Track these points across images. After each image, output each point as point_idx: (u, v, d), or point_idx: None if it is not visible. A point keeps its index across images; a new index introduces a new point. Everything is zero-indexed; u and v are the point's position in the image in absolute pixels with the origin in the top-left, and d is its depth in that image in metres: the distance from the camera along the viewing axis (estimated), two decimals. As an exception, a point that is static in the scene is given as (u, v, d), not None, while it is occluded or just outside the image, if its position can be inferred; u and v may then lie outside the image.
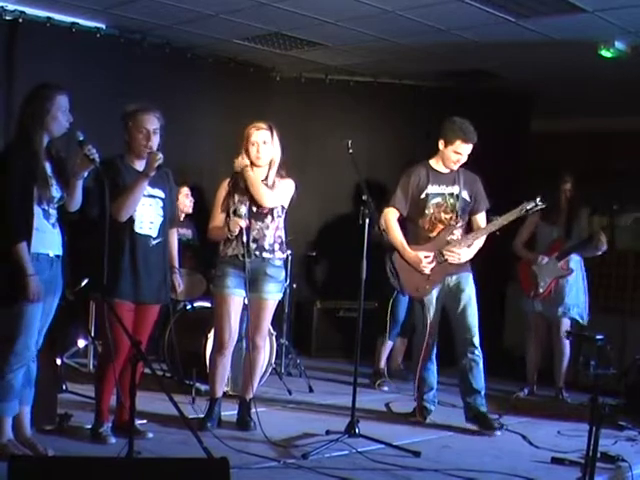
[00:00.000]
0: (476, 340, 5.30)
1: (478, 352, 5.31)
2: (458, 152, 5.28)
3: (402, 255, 5.38)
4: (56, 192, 3.97)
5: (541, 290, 6.51)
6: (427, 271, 5.29)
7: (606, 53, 6.47)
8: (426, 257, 5.28)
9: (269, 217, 4.94)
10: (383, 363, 6.84)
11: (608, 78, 7.24)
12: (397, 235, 5.40)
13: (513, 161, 8.27)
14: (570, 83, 7.72)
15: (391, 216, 5.41)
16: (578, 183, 6.66)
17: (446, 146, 5.30)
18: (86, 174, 4.05)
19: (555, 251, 6.56)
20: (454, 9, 5.94)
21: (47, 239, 3.95)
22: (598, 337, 4.28)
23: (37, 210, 3.89)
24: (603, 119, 8.69)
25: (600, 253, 6.53)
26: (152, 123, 4.49)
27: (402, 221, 5.47)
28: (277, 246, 4.98)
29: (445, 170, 5.39)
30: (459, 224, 5.37)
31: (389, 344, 6.82)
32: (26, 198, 3.84)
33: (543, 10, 5.86)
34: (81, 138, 3.98)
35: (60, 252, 4.03)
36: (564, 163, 7.01)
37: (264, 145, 4.89)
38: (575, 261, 6.60)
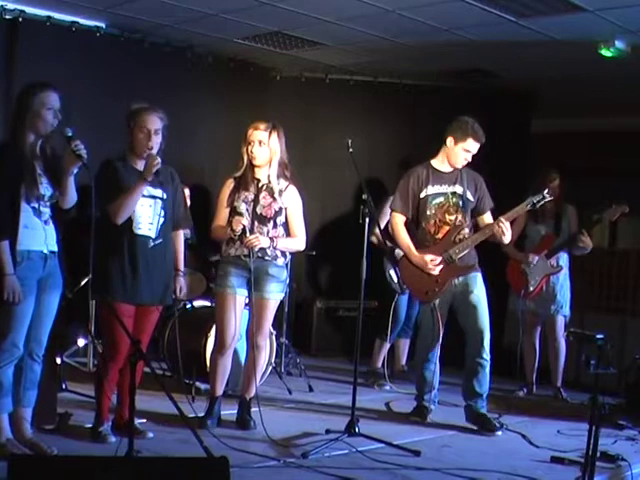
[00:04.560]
0: (486, 342, 5.26)
1: (486, 355, 5.28)
2: (468, 150, 5.27)
3: (409, 258, 5.37)
4: (46, 190, 3.95)
5: (531, 288, 6.51)
6: (435, 272, 5.27)
7: (606, 53, 6.46)
8: (432, 260, 5.26)
9: (272, 222, 4.93)
10: (380, 363, 6.84)
11: (609, 78, 7.24)
12: (404, 238, 5.38)
13: (513, 161, 8.26)
14: (571, 83, 7.72)
15: (397, 220, 5.40)
16: (577, 181, 6.66)
17: (456, 143, 5.29)
18: (76, 170, 4.00)
19: (545, 248, 6.55)
20: (455, 8, 5.94)
21: (39, 236, 3.94)
22: (598, 337, 4.28)
23: (27, 208, 3.88)
24: (603, 119, 8.69)
25: (587, 252, 6.52)
26: (154, 123, 4.47)
27: (410, 227, 5.46)
28: (279, 252, 4.98)
29: (447, 169, 5.37)
30: (466, 224, 5.36)
31: (387, 345, 6.82)
32: (12, 196, 3.83)
33: (544, 9, 5.85)
34: (69, 134, 3.94)
35: (55, 248, 4.03)
36: (563, 163, 7.01)
37: (260, 145, 4.88)
38: (564, 258, 6.60)
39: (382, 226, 6.37)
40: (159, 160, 4.41)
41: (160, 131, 4.50)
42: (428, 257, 5.27)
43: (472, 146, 5.28)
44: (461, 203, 5.35)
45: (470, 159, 5.34)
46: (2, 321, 3.86)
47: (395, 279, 6.61)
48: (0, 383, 3.91)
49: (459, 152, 5.30)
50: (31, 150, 3.96)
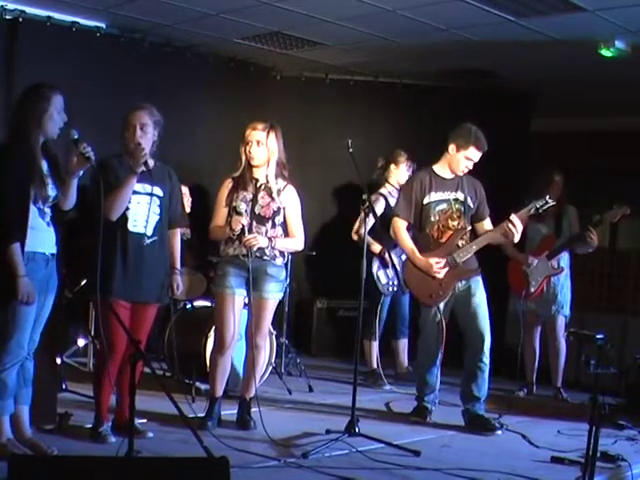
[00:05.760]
0: (486, 346, 5.26)
1: (486, 359, 5.28)
2: (469, 158, 5.26)
3: (413, 262, 5.35)
4: (52, 191, 3.96)
5: (532, 289, 6.50)
6: (440, 276, 5.26)
7: (606, 52, 6.46)
8: (437, 262, 5.25)
9: (270, 222, 4.93)
10: (376, 364, 6.84)
11: (609, 77, 7.24)
12: (407, 242, 5.37)
13: (513, 161, 8.26)
14: (571, 82, 7.72)
15: (400, 225, 5.39)
16: (578, 181, 6.66)
17: (458, 150, 5.28)
18: (81, 172, 4.04)
19: (545, 249, 6.55)
20: (454, 8, 5.94)
21: (43, 238, 3.95)
22: (598, 337, 4.28)
23: (33, 209, 3.89)
24: (603, 119, 8.69)
25: (591, 250, 6.52)
26: (138, 118, 4.48)
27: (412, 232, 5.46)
28: (278, 252, 4.98)
29: (449, 176, 5.36)
30: (469, 228, 5.36)
31: (375, 344, 6.83)
32: (23, 198, 3.84)
33: (543, 9, 5.85)
34: (76, 137, 3.97)
35: (55, 250, 4.04)
36: (563, 162, 7.01)
37: (257, 145, 4.88)
38: (565, 259, 6.60)
39: (369, 227, 6.41)
40: (146, 152, 4.40)
41: (149, 126, 4.50)
42: (433, 260, 5.26)
43: (474, 154, 5.27)
44: (463, 209, 5.35)
45: (471, 167, 5.33)
46: (8, 323, 3.86)
47: (383, 280, 6.63)
48: (5, 385, 3.91)
49: (461, 159, 5.29)
50: (39, 151, 3.97)
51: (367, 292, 6.49)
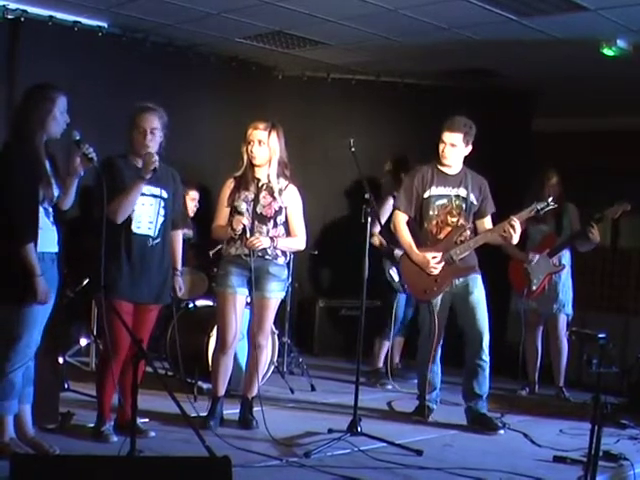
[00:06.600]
0: (485, 343, 5.27)
1: (486, 357, 5.29)
2: (443, 141, 5.28)
3: (409, 256, 5.37)
4: (56, 191, 3.97)
5: (534, 287, 6.50)
6: (435, 272, 5.26)
7: (608, 52, 6.46)
8: (434, 257, 5.26)
9: (272, 222, 4.93)
10: (382, 363, 6.84)
11: (610, 77, 7.23)
12: (405, 236, 5.38)
13: (514, 160, 8.25)
14: (572, 82, 7.71)
15: (400, 219, 5.41)
16: (578, 181, 6.65)
17: (438, 140, 5.32)
18: (82, 173, 4.04)
19: (546, 247, 6.55)
20: (456, 7, 5.94)
21: (49, 238, 3.97)
22: (600, 336, 4.28)
23: (40, 209, 3.89)
24: (605, 118, 8.68)
25: (593, 247, 6.51)
26: (150, 122, 4.47)
27: (412, 227, 5.46)
28: (280, 252, 4.98)
29: (452, 172, 5.37)
30: (468, 226, 5.36)
31: (387, 344, 6.83)
32: (32, 198, 3.84)
33: (545, 8, 5.85)
34: (77, 138, 3.98)
35: (57, 249, 4.04)
36: (563, 162, 7.00)
37: (259, 145, 4.88)
38: (566, 257, 6.60)
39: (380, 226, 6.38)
40: (156, 158, 4.40)
41: (158, 130, 4.50)
42: (430, 256, 5.27)
43: (446, 137, 5.28)
44: (464, 206, 5.35)
45: (453, 153, 5.29)
46: (17, 323, 3.86)
47: (396, 278, 6.61)
48: (12, 385, 3.91)
49: (439, 145, 5.32)
50: (43, 151, 3.98)
51: (380, 292, 6.55)
